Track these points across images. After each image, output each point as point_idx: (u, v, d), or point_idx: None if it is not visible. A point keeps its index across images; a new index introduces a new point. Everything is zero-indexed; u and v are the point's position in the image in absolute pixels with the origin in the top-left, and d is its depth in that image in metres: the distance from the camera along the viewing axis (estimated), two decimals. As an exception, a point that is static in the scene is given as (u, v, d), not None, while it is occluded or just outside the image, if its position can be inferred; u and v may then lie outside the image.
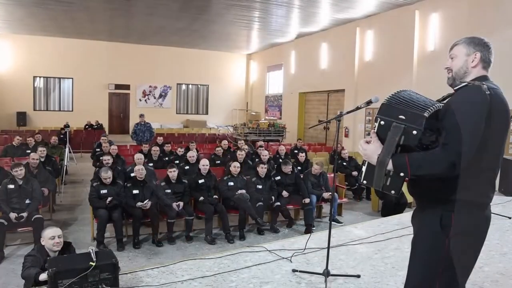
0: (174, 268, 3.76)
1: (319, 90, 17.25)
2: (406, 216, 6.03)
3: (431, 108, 1.93)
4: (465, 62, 2.05)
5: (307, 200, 7.06)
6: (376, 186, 1.98)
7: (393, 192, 1.97)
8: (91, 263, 3.07)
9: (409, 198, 8.18)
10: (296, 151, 11.07)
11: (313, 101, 18.34)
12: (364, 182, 2.06)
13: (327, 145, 15.56)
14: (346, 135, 15.00)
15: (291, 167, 7.53)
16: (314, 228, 6.94)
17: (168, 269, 3.75)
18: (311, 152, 12.71)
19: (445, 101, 2.05)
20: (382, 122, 1.93)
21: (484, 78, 2.03)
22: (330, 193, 7.40)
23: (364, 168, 2.06)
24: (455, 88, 2.03)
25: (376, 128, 1.97)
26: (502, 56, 9.19)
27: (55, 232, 3.66)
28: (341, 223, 7.28)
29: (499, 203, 6.90)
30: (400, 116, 1.88)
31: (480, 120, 1.83)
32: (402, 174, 1.87)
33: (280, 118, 19.79)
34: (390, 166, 1.88)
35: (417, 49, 11.89)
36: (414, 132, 1.84)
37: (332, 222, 7.23)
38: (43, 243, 3.66)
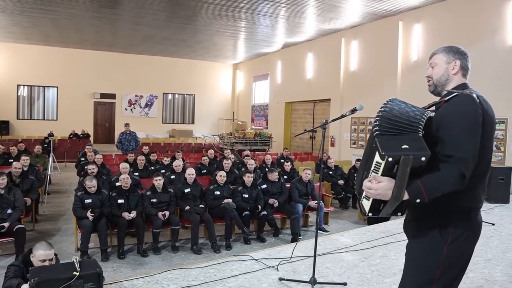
0: (159, 278, 3.72)
1: (305, 99, 17.39)
2: (392, 224, 6.08)
3: (422, 121, 1.91)
4: (446, 70, 2.11)
5: (272, 200, 7.07)
6: (384, 213, 1.94)
7: (399, 214, 1.95)
8: (74, 272, 3.01)
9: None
10: (282, 160, 11.09)
11: (299, 110, 18.46)
12: (370, 215, 1.98)
13: (313, 154, 15.65)
14: (332, 144, 15.11)
15: (277, 174, 7.53)
16: (300, 237, 6.92)
17: (153, 278, 3.70)
18: (297, 161, 12.76)
19: (430, 109, 2.08)
20: (390, 159, 1.82)
21: (465, 85, 2.08)
22: (316, 202, 7.44)
23: (367, 203, 1.97)
24: (446, 98, 2.04)
25: (382, 167, 1.86)
26: (482, 66, 9.45)
27: (46, 256, 3.44)
28: (328, 231, 7.29)
29: (483, 210, 6.94)
30: (404, 146, 1.82)
31: (478, 129, 1.87)
32: (418, 200, 1.84)
33: (267, 128, 19.85)
34: (406, 196, 1.84)
35: (401, 59, 12.11)
36: (423, 158, 1.80)
37: (319, 231, 7.28)
38: (32, 259, 3.52)
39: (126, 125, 12.09)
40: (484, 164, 1.98)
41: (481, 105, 1.91)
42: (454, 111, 1.91)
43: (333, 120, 3.57)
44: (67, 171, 12.43)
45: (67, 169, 13.35)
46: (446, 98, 2.02)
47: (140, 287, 3.50)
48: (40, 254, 3.43)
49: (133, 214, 5.97)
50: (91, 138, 19.34)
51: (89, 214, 5.73)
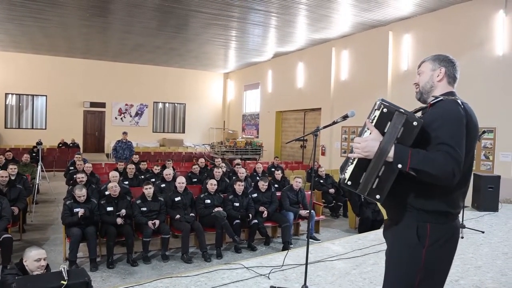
0: (150, 287, 3.66)
1: (296, 108, 17.44)
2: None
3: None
4: (431, 77, 2.15)
5: (262, 208, 7.04)
6: (363, 189, 1.92)
7: (378, 196, 1.90)
8: (62, 281, 2.96)
9: (385, 215, 8.26)
10: (273, 169, 11.08)
11: (290, 119, 18.50)
12: (349, 183, 1.95)
13: (304, 163, 15.67)
14: (323, 153, 15.14)
15: (264, 183, 7.48)
16: (291, 246, 6.90)
17: (143, 287, 3.64)
18: (288, 170, 12.77)
19: (418, 113, 2.10)
20: (385, 110, 1.90)
21: (451, 94, 2.10)
22: (307, 211, 7.42)
23: (349, 168, 1.97)
24: (431, 102, 2.06)
25: (376, 117, 1.93)
26: (471, 76, 9.59)
27: (40, 254, 3.48)
28: (319, 240, 7.27)
29: (472, 218, 7.05)
30: (401, 110, 1.89)
31: (463, 129, 1.88)
32: (400, 165, 1.81)
33: (257, 137, 19.85)
34: (390, 154, 1.83)
35: (391, 68, 12.23)
36: (415, 123, 1.84)
37: (310, 239, 7.25)
38: (25, 263, 3.48)
39: (124, 133, 12.10)
40: (466, 170, 1.97)
41: (464, 110, 1.94)
42: (441, 114, 1.93)
43: (325, 127, 3.58)
44: (56, 181, 12.28)
45: (55, 178, 13.19)
46: (432, 102, 2.04)
47: (130, 296, 3.45)
48: (34, 254, 3.44)
49: (123, 212, 5.95)
50: (80, 148, 19.14)
51: (80, 211, 5.66)
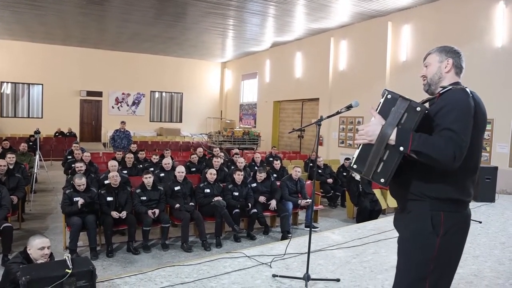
0: (152, 275, 3.69)
1: (294, 98, 17.43)
2: (382, 222, 6.14)
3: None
4: (438, 68, 2.17)
5: (273, 203, 7.07)
6: (367, 172, 1.97)
7: (382, 180, 1.95)
8: (67, 270, 2.97)
9: (383, 205, 8.33)
10: (271, 159, 11.11)
11: (287, 109, 18.49)
12: (355, 166, 2.03)
13: (302, 153, 15.69)
14: (321, 143, 15.17)
15: (262, 174, 7.50)
16: (290, 235, 6.94)
17: (146, 276, 3.67)
18: (286, 160, 12.77)
19: (426, 104, 2.11)
20: (389, 96, 1.99)
21: (458, 84, 2.13)
22: (307, 201, 7.47)
23: (356, 153, 2.04)
24: (440, 92, 2.08)
25: (381, 104, 2.01)
26: (470, 67, 9.57)
27: (44, 243, 3.48)
28: (317, 228, 7.32)
29: (470, 208, 7.10)
30: (405, 97, 1.96)
31: (471, 118, 1.91)
32: (402, 148, 1.86)
33: (255, 127, 19.84)
34: (392, 136, 1.89)
35: (389, 59, 12.21)
36: (418, 108, 1.90)
37: (307, 229, 7.30)
38: (29, 252, 3.48)
39: (122, 123, 12.05)
40: (476, 158, 2.03)
41: (473, 99, 1.97)
42: (448, 101, 1.96)
43: (328, 117, 3.58)
44: (53, 170, 12.25)
45: (53, 167, 13.15)
46: (441, 92, 2.06)
47: (133, 284, 3.47)
48: (38, 243, 3.44)
49: (123, 214, 5.92)
50: (77, 137, 19.07)
51: (80, 200, 5.66)
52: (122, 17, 13.85)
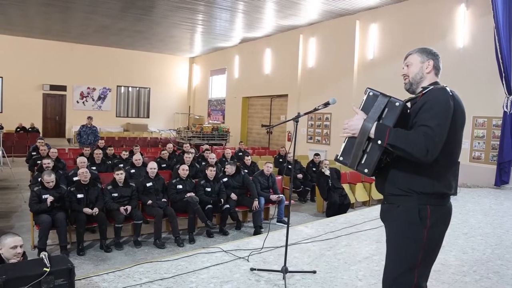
0: (130, 272, 3.67)
1: (263, 94, 17.52)
2: (352, 216, 6.32)
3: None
4: (420, 69, 2.30)
5: (256, 203, 7.13)
6: (352, 163, 2.15)
7: (366, 170, 2.12)
8: (45, 269, 2.91)
9: (352, 199, 8.56)
10: (240, 154, 11.17)
11: (256, 105, 18.57)
12: (341, 158, 2.21)
13: (271, 149, 15.84)
14: (289, 139, 15.35)
15: (233, 167, 7.56)
16: (262, 230, 7.03)
17: (124, 273, 3.65)
18: (255, 155, 12.87)
19: (408, 103, 2.23)
20: (371, 93, 2.18)
21: (437, 83, 2.27)
22: (279, 196, 7.58)
23: (342, 146, 2.23)
24: (423, 92, 2.20)
25: (363, 101, 2.20)
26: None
27: (16, 242, 3.33)
28: (288, 224, 7.41)
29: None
30: (386, 94, 2.14)
31: (449, 116, 2.05)
32: (379, 141, 2.03)
33: (223, 122, 19.82)
34: (372, 130, 2.06)
35: (357, 57, 12.49)
36: (397, 103, 2.08)
37: (279, 223, 7.41)
38: (1, 252, 3.34)
39: (89, 118, 11.79)
40: (457, 152, 2.22)
41: (452, 98, 2.12)
42: (429, 100, 2.09)
43: (306, 113, 3.67)
44: (16, 166, 11.81)
45: (15, 164, 12.68)
46: (423, 92, 2.18)
47: (112, 281, 3.44)
48: (10, 241, 3.30)
49: (96, 211, 5.82)
50: (40, 132, 18.43)
51: (49, 198, 5.52)
52: (87, 9, 13.47)
